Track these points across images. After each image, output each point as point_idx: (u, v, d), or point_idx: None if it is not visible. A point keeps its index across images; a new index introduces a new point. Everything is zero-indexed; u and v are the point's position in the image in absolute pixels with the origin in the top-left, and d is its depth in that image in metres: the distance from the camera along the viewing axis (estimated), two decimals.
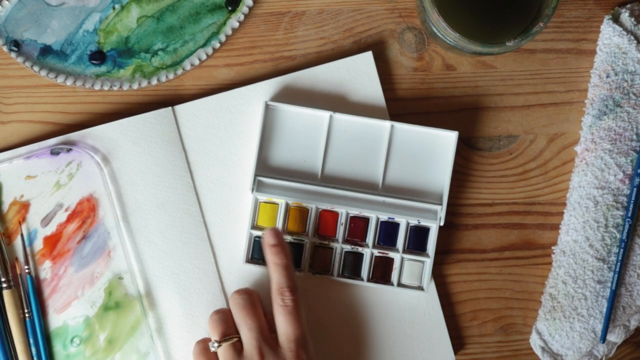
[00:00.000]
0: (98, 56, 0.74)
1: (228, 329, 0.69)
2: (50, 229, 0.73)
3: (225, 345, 0.68)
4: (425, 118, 0.75)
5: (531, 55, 0.76)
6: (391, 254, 0.73)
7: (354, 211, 0.73)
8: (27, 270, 0.72)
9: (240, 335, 0.68)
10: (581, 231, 0.73)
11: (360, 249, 0.73)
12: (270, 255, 0.70)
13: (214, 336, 0.69)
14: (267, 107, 0.73)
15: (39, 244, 0.73)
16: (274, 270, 0.69)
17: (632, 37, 0.73)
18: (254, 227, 0.73)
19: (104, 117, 0.75)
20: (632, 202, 0.73)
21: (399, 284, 0.73)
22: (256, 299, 0.70)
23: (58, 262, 0.73)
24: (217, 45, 0.74)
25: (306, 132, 0.74)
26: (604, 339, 0.73)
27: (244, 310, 0.69)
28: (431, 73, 0.75)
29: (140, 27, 0.74)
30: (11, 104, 0.74)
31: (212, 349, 0.68)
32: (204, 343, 0.70)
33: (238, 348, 0.68)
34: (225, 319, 0.70)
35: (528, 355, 0.75)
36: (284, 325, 0.68)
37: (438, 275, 0.75)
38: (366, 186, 0.74)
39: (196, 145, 0.74)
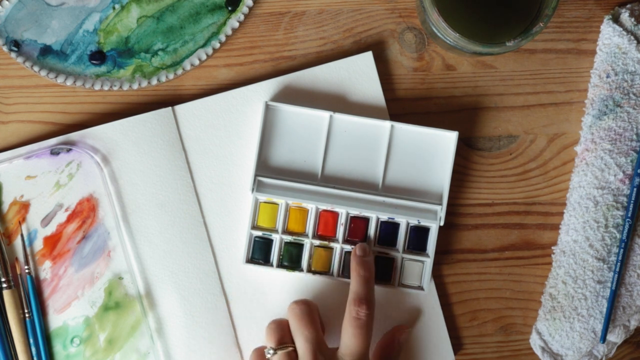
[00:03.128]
0: (98, 56, 0.74)
1: (284, 338, 0.68)
2: (50, 229, 0.73)
3: (280, 353, 0.67)
4: (425, 118, 0.75)
5: (531, 55, 0.76)
6: (391, 254, 0.73)
7: (354, 211, 0.73)
8: (27, 270, 0.72)
9: (295, 345, 0.68)
10: (581, 231, 0.73)
11: None
12: (357, 265, 0.69)
13: (270, 343, 0.69)
14: (267, 107, 0.73)
15: (39, 244, 0.73)
16: (357, 280, 0.69)
17: (632, 37, 0.73)
18: (254, 227, 0.73)
19: (104, 117, 0.75)
20: (632, 202, 0.73)
21: (399, 284, 0.73)
22: (314, 310, 0.69)
23: (58, 262, 0.73)
24: (217, 45, 0.74)
25: (306, 132, 0.74)
26: (604, 339, 0.73)
27: (301, 321, 0.68)
28: (431, 73, 0.75)
29: (140, 27, 0.74)
30: (11, 104, 0.74)
31: (268, 356, 0.68)
32: (260, 351, 0.70)
33: (293, 357, 0.67)
34: (282, 327, 0.69)
35: (528, 355, 0.75)
36: (350, 338, 0.67)
37: (438, 275, 0.75)
38: (366, 186, 0.74)
39: (196, 145, 0.74)
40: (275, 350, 0.68)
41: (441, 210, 0.73)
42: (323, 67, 0.74)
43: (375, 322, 0.73)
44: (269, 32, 0.75)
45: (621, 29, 0.73)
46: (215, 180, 0.74)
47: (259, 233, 0.73)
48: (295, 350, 0.68)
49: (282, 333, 0.69)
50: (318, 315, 0.70)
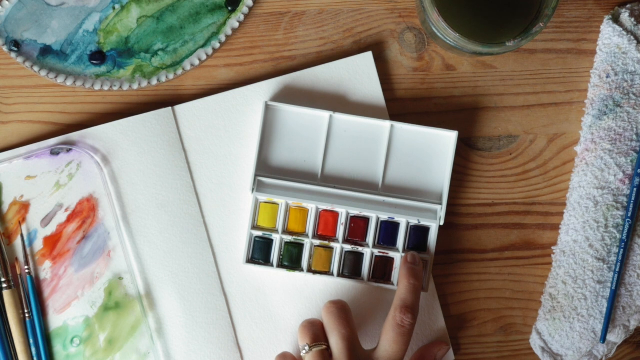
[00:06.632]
0: (98, 56, 0.74)
1: (318, 336, 0.68)
2: (50, 229, 0.73)
3: (315, 351, 0.67)
4: (425, 118, 0.75)
5: (531, 55, 0.76)
6: (391, 254, 0.73)
7: (354, 211, 0.73)
8: (27, 271, 0.72)
9: (330, 343, 0.68)
10: (581, 231, 0.73)
11: (360, 249, 0.73)
12: (407, 272, 0.69)
13: (305, 340, 0.68)
14: (267, 107, 0.73)
15: (39, 244, 0.73)
16: (406, 288, 0.69)
17: (632, 37, 0.73)
18: (254, 227, 0.73)
19: (104, 117, 0.75)
20: (632, 202, 0.73)
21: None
22: (349, 311, 0.69)
23: (58, 262, 0.73)
24: (217, 45, 0.74)
25: (306, 132, 0.74)
26: (604, 339, 0.73)
27: (338, 319, 0.68)
28: (431, 73, 0.75)
29: (140, 27, 0.74)
30: (11, 104, 0.74)
31: (303, 352, 0.68)
32: (285, 356, 0.70)
33: (326, 356, 0.67)
34: (315, 326, 0.69)
35: (528, 355, 0.75)
36: (390, 344, 0.67)
37: (438, 275, 0.75)
38: (366, 186, 0.74)
39: (196, 145, 0.74)
40: (311, 347, 0.68)
41: (441, 210, 0.73)
42: (323, 67, 0.74)
43: (375, 321, 0.73)
44: (269, 32, 0.75)
45: (621, 29, 0.73)
46: (215, 180, 0.74)
47: (259, 233, 0.73)
48: (328, 349, 0.68)
49: (316, 331, 0.69)
50: (352, 316, 0.70)
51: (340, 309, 0.69)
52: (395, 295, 0.70)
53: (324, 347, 0.68)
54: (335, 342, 0.67)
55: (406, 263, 0.70)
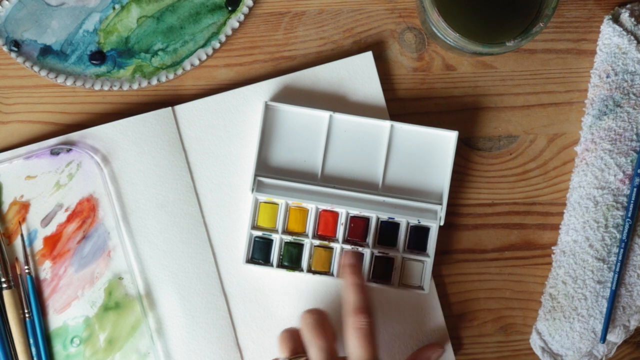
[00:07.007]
0: (98, 56, 0.74)
1: (297, 347, 0.68)
2: (50, 229, 0.73)
3: None
4: (425, 118, 0.75)
5: (531, 55, 0.76)
6: (391, 254, 0.73)
7: (354, 211, 0.73)
8: (27, 271, 0.72)
9: (308, 355, 0.67)
10: (581, 231, 0.73)
11: (360, 249, 0.73)
12: (348, 274, 0.68)
13: (284, 353, 0.68)
14: (267, 107, 0.73)
15: (39, 244, 0.73)
16: (351, 290, 0.68)
17: (632, 37, 0.73)
18: (254, 227, 0.73)
19: (104, 117, 0.75)
20: (632, 202, 0.73)
21: (399, 284, 0.73)
22: (326, 320, 0.69)
23: (58, 262, 0.73)
24: (217, 45, 0.74)
25: (306, 132, 0.74)
26: (604, 339, 0.73)
27: (314, 330, 0.67)
28: (431, 73, 0.75)
29: (140, 27, 0.74)
30: (11, 104, 0.74)
31: None
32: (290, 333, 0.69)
33: None
34: (294, 337, 0.69)
35: (528, 355, 0.75)
36: (357, 349, 0.66)
37: (438, 275, 0.75)
38: (366, 186, 0.74)
39: (196, 145, 0.74)
40: (290, 359, 0.67)
41: (441, 210, 0.73)
42: (323, 67, 0.74)
43: (375, 322, 0.73)
44: (269, 32, 0.75)
45: (621, 29, 0.73)
46: (215, 180, 0.74)
47: (259, 233, 0.73)
48: None
49: (295, 343, 0.68)
50: (330, 324, 0.69)
51: (316, 319, 0.68)
52: (344, 300, 0.68)
53: (303, 358, 0.67)
54: (313, 354, 0.66)
55: (345, 266, 0.69)
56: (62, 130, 0.74)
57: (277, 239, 0.73)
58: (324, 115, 0.73)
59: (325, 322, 0.68)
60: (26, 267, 0.72)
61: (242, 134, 0.74)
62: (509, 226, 0.75)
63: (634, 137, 0.73)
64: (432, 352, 0.72)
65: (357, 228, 0.73)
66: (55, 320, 0.73)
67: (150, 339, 0.73)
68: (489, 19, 0.70)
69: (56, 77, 0.73)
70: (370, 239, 0.73)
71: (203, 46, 0.75)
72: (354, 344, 0.66)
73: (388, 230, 0.73)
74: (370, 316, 0.66)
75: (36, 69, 0.73)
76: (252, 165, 0.74)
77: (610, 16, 0.74)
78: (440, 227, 0.73)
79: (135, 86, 0.74)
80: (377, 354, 0.66)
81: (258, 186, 0.73)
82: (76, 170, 0.73)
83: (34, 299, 0.72)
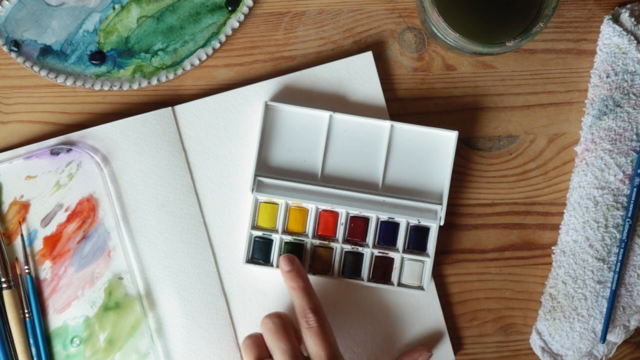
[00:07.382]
0: (98, 56, 0.74)
1: (262, 354, 0.68)
2: (50, 229, 0.73)
3: None
4: (425, 118, 0.75)
5: (531, 55, 0.76)
6: (391, 254, 0.73)
7: (354, 211, 0.73)
8: (27, 271, 0.72)
9: (273, 358, 0.68)
10: (581, 231, 0.73)
11: (360, 249, 0.73)
12: (288, 280, 0.70)
13: (249, 359, 0.68)
14: (267, 107, 0.73)
15: (39, 244, 0.73)
16: (294, 294, 0.69)
17: (632, 37, 0.73)
18: (254, 227, 0.73)
19: (104, 117, 0.75)
20: (632, 202, 0.73)
21: (399, 284, 0.73)
22: (287, 323, 0.69)
23: (58, 262, 0.73)
24: (217, 45, 0.74)
25: (306, 132, 0.74)
26: (604, 339, 0.73)
27: (276, 334, 0.68)
28: (431, 73, 0.75)
29: (140, 27, 0.74)
30: (11, 104, 0.74)
31: None
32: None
33: None
34: (258, 343, 0.69)
35: (528, 355, 0.75)
36: (313, 347, 0.67)
37: (438, 275, 0.75)
38: (366, 186, 0.74)
39: (196, 145, 0.74)
40: None
41: (441, 210, 0.73)
42: (323, 67, 0.74)
43: (375, 322, 0.74)
44: (269, 32, 0.75)
45: (621, 29, 0.73)
46: (215, 180, 0.74)
47: (259, 233, 0.73)
48: None
49: (259, 349, 0.69)
50: (292, 326, 0.70)
51: (277, 323, 0.68)
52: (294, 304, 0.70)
53: None
54: (279, 357, 0.67)
55: (283, 273, 0.71)
56: (62, 130, 0.74)
57: (277, 239, 0.73)
58: (324, 115, 0.73)
59: (287, 325, 0.69)
60: (26, 267, 0.72)
61: (242, 134, 0.74)
62: (509, 226, 0.75)
63: (634, 137, 0.73)
64: (418, 354, 0.72)
65: (357, 228, 0.73)
66: (55, 320, 0.73)
67: (150, 339, 0.73)
68: (489, 19, 0.70)
69: (56, 77, 0.73)
70: (370, 239, 0.73)
71: (203, 46, 0.75)
72: (309, 344, 0.68)
73: (388, 230, 0.73)
74: (316, 314, 0.68)
75: (36, 69, 0.73)
76: (252, 165, 0.74)
77: (610, 16, 0.74)
78: (440, 227, 0.73)
79: (135, 86, 0.74)
80: (334, 348, 0.68)
81: (258, 186, 0.73)
82: (76, 170, 0.73)
83: (34, 299, 0.72)
